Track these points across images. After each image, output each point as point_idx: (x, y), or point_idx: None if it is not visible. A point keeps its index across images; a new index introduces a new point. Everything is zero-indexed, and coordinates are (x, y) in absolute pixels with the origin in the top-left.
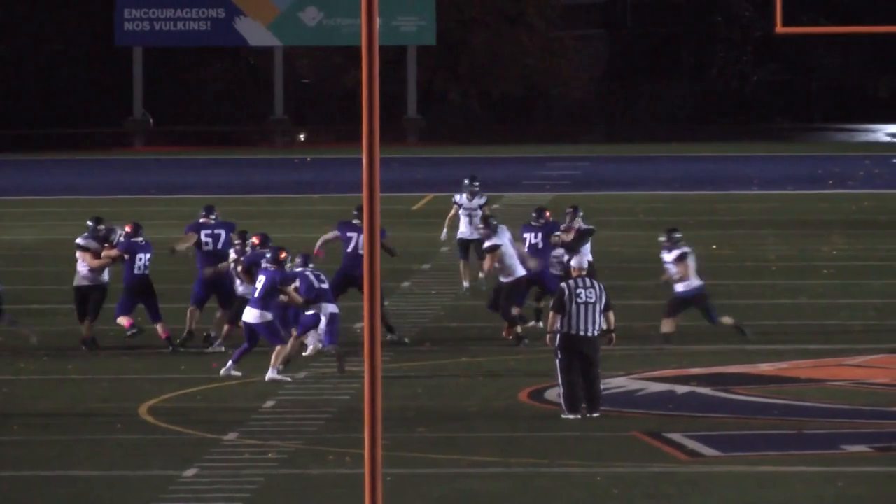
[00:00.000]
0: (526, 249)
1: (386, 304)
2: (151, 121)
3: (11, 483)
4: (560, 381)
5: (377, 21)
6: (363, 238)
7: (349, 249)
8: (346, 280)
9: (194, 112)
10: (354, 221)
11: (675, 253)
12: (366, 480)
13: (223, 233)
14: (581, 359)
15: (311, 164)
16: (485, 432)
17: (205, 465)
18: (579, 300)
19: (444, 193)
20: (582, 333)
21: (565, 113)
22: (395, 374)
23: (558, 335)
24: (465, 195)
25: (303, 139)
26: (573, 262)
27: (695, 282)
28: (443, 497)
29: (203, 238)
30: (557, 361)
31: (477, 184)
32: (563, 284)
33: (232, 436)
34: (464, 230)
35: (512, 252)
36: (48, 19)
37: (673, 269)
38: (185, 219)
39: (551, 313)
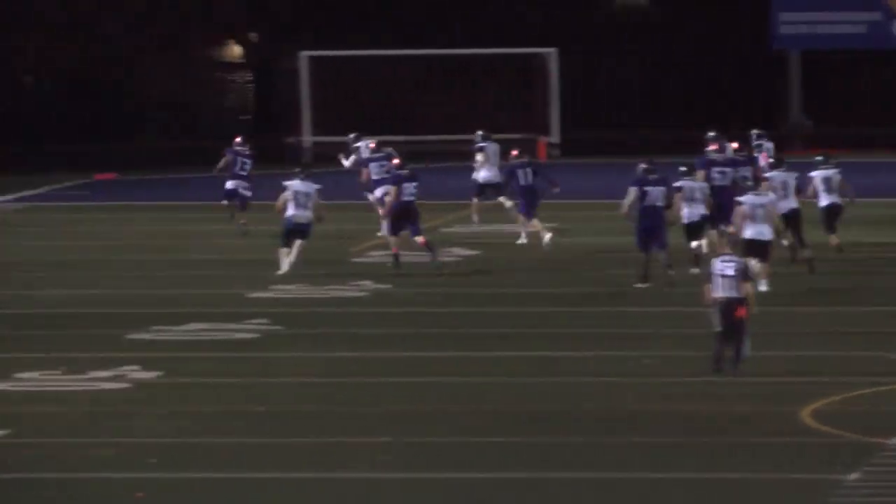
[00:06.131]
0: None
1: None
2: (811, 124)
3: (585, 485)
4: None
5: None
6: None
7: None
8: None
9: (856, 115)
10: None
11: None
12: None
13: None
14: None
15: None
16: None
17: (868, 470)
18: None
19: None
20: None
21: None
22: None
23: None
24: None
25: None
26: None
27: None
28: None
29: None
30: None
31: None
32: None
33: None
34: None
35: None
36: (702, 25)
37: None
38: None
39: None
